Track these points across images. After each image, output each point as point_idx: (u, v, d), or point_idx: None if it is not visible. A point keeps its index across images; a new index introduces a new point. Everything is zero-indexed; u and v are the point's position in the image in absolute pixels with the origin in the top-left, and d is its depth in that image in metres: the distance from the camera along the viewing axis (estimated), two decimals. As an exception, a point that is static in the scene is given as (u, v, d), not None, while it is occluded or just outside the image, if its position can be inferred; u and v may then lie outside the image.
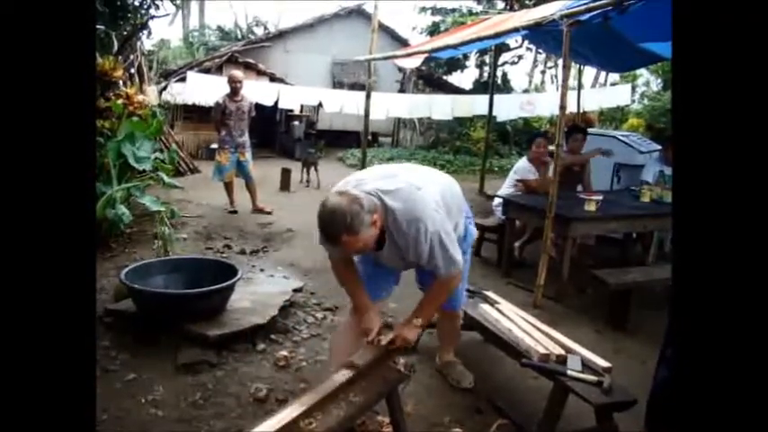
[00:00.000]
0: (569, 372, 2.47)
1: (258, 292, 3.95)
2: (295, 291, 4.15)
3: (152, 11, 8.35)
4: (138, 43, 8.91)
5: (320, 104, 13.06)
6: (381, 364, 2.41)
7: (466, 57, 16.27)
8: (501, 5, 15.64)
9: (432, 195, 2.37)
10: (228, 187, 7.20)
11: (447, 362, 3.26)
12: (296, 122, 13.77)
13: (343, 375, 2.23)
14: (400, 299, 3.73)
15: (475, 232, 2.92)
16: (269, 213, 7.12)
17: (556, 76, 21.40)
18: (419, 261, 2.40)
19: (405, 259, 2.46)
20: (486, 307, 3.20)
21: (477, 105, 12.73)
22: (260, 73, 13.58)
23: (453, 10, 15.97)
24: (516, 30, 5.45)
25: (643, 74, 19.16)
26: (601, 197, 4.88)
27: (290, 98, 12.41)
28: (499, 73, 16.37)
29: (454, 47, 6.90)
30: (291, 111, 13.61)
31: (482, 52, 15.49)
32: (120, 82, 6.05)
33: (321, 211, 2.15)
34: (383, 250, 2.40)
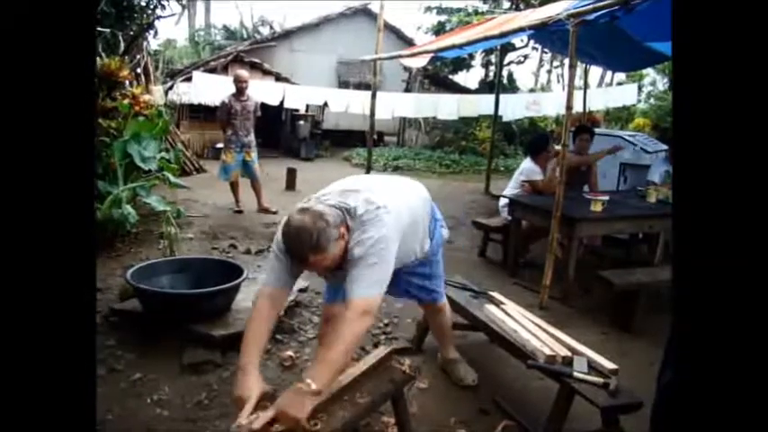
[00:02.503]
0: (575, 373, 2.46)
1: (263, 292, 3.94)
2: (300, 291, 4.15)
3: (158, 11, 8.39)
4: (145, 43, 8.95)
5: (326, 104, 13.08)
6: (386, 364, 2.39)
7: (471, 56, 16.24)
8: (507, 5, 15.58)
9: (396, 212, 2.22)
10: (234, 187, 7.21)
11: (449, 359, 3.25)
12: (301, 122, 13.78)
13: (354, 372, 2.21)
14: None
15: (446, 234, 2.85)
16: (274, 213, 7.12)
17: (562, 76, 21.39)
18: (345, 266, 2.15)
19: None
20: (491, 308, 3.19)
21: (482, 105, 12.72)
22: (265, 72, 13.62)
23: (459, 9, 15.91)
24: (522, 29, 5.43)
25: (649, 73, 19.10)
26: (607, 197, 4.87)
27: (296, 98, 12.43)
28: (505, 72, 16.36)
29: (460, 46, 6.88)
30: (297, 110, 13.63)
31: (488, 52, 15.45)
32: (127, 82, 6.07)
33: (285, 231, 2.06)
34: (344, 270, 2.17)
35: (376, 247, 2.08)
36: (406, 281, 2.77)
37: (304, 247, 1.99)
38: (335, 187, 2.33)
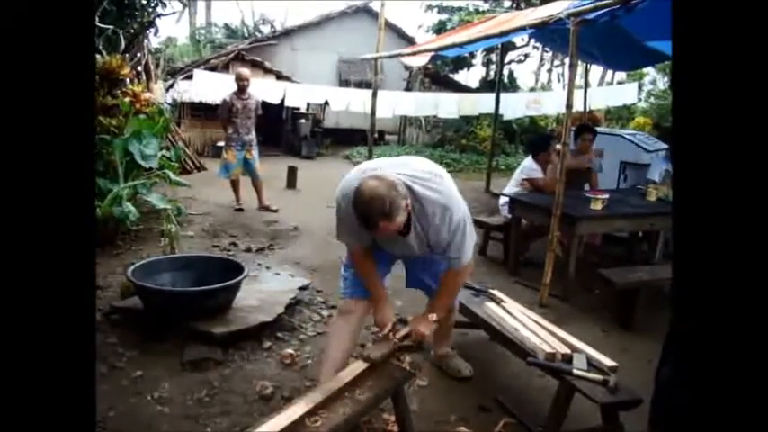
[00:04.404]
0: (575, 370, 2.47)
1: (264, 289, 3.96)
2: (301, 288, 4.15)
3: (159, 9, 8.39)
4: (146, 41, 8.93)
5: (326, 102, 13.08)
6: (391, 360, 2.42)
7: (472, 55, 16.22)
8: (507, 4, 15.60)
9: (452, 182, 2.40)
10: (235, 185, 7.22)
11: (443, 355, 3.27)
12: (302, 120, 13.78)
13: (357, 368, 2.27)
14: (405, 296, 3.74)
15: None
16: (275, 211, 7.13)
17: (562, 75, 21.35)
18: (436, 249, 2.42)
19: (419, 247, 2.44)
20: (492, 305, 3.20)
21: (483, 104, 12.73)
22: (267, 71, 13.61)
23: (460, 8, 15.92)
24: (523, 28, 5.43)
25: (650, 72, 19.03)
26: (607, 196, 4.87)
27: (297, 96, 12.43)
28: (506, 71, 16.33)
29: (461, 45, 6.89)
30: (298, 109, 13.62)
31: (488, 50, 15.45)
32: (128, 80, 6.05)
33: (358, 196, 2.13)
34: (407, 236, 2.37)
35: (461, 222, 2.33)
36: (428, 269, 2.80)
37: (377, 213, 2.07)
38: (383, 163, 2.44)
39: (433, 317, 2.55)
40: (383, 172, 2.24)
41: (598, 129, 6.63)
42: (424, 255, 2.59)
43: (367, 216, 2.11)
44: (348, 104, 12.50)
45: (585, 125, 6.29)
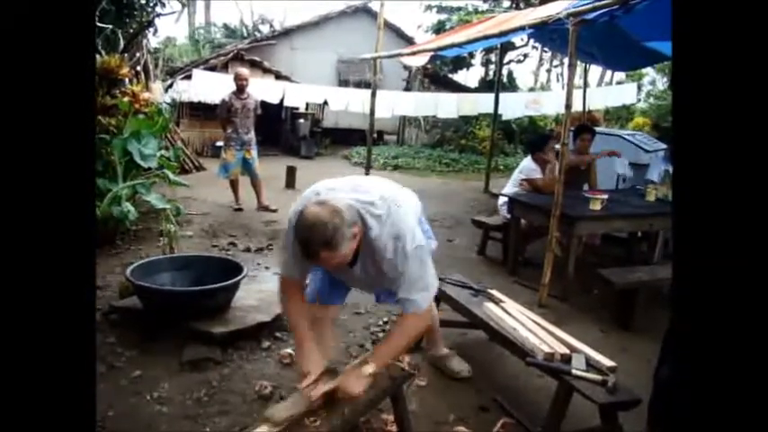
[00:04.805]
0: (574, 371, 2.47)
1: (263, 289, 3.95)
2: (300, 288, 4.14)
3: (158, 9, 8.39)
4: (145, 41, 8.93)
5: (326, 102, 13.07)
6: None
7: (471, 55, 16.24)
8: (507, 4, 15.62)
9: (411, 209, 2.23)
10: (234, 185, 7.22)
11: (440, 356, 3.26)
12: (301, 120, 13.78)
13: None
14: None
15: (433, 245, 2.55)
16: (274, 211, 7.13)
17: (562, 75, 21.33)
18: (392, 286, 2.18)
19: (366, 281, 2.29)
20: (491, 305, 3.20)
21: (482, 104, 12.72)
22: (266, 71, 13.60)
23: (459, 8, 15.93)
24: (522, 28, 5.44)
25: (649, 73, 19.05)
26: (606, 196, 4.87)
27: (296, 96, 12.43)
28: (505, 71, 16.35)
29: (460, 45, 6.89)
30: (297, 109, 13.61)
31: (488, 50, 15.46)
32: (127, 79, 6.05)
33: (299, 223, 1.95)
34: (353, 269, 2.17)
35: (415, 252, 2.07)
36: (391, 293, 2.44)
37: (318, 241, 1.89)
38: (341, 183, 2.24)
39: (369, 369, 2.13)
40: (334, 195, 2.07)
41: (597, 129, 6.63)
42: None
43: (307, 244, 1.92)
44: (347, 104, 12.49)
45: (584, 125, 6.29)
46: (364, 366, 2.15)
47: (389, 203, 2.10)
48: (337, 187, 2.18)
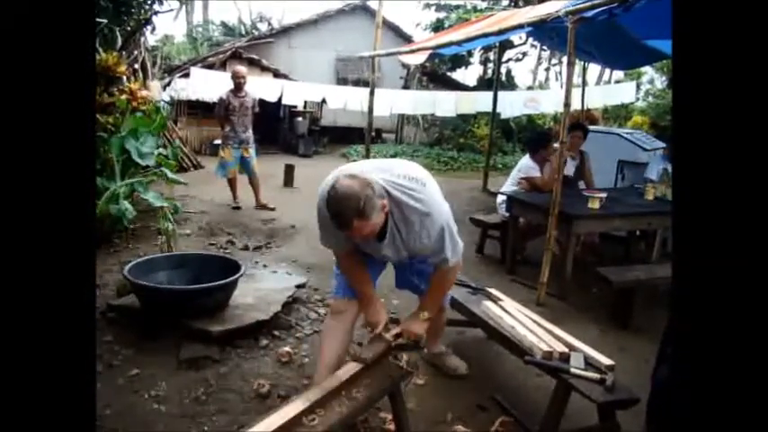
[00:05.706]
0: (572, 369, 2.47)
1: (261, 288, 3.95)
2: (298, 287, 4.14)
3: (156, 6, 8.34)
4: (142, 39, 8.91)
5: (324, 101, 13.08)
6: (384, 360, 2.40)
7: (470, 53, 16.22)
8: (505, 2, 15.58)
9: (436, 187, 2.36)
10: (232, 183, 7.21)
11: (437, 354, 3.27)
12: (299, 119, 13.77)
13: (351, 369, 2.24)
14: (401, 295, 3.73)
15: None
16: (272, 210, 7.12)
17: (560, 74, 21.38)
18: (422, 254, 2.41)
19: (402, 252, 2.40)
20: (489, 304, 3.20)
21: (480, 102, 12.72)
22: (264, 69, 13.60)
23: (457, 6, 15.93)
24: (521, 26, 5.42)
25: (648, 71, 19.05)
26: (605, 195, 4.87)
27: (294, 94, 12.43)
28: (503, 70, 16.35)
29: (458, 43, 6.87)
30: (295, 107, 13.61)
31: (486, 49, 15.44)
32: (124, 77, 6.05)
33: (332, 195, 2.07)
34: (383, 242, 2.32)
35: (442, 228, 2.29)
36: (416, 269, 2.75)
37: (350, 211, 2.02)
38: (367, 165, 2.37)
39: (425, 315, 2.55)
40: (361, 172, 2.18)
41: (596, 127, 6.62)
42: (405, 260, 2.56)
43: (340, 215, 2.05)
44: (345, 102, 12.49)
45: (577, 123, 6.25)
46: (420, 313, 2.56)
47: (416, 182, 2.26)
48: (364, 169, 2.27)
